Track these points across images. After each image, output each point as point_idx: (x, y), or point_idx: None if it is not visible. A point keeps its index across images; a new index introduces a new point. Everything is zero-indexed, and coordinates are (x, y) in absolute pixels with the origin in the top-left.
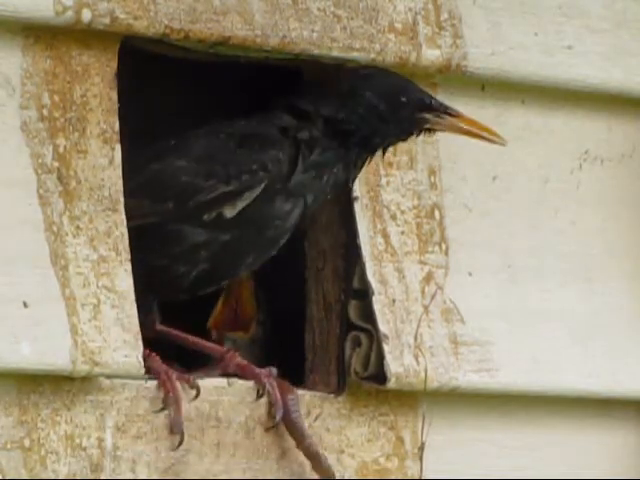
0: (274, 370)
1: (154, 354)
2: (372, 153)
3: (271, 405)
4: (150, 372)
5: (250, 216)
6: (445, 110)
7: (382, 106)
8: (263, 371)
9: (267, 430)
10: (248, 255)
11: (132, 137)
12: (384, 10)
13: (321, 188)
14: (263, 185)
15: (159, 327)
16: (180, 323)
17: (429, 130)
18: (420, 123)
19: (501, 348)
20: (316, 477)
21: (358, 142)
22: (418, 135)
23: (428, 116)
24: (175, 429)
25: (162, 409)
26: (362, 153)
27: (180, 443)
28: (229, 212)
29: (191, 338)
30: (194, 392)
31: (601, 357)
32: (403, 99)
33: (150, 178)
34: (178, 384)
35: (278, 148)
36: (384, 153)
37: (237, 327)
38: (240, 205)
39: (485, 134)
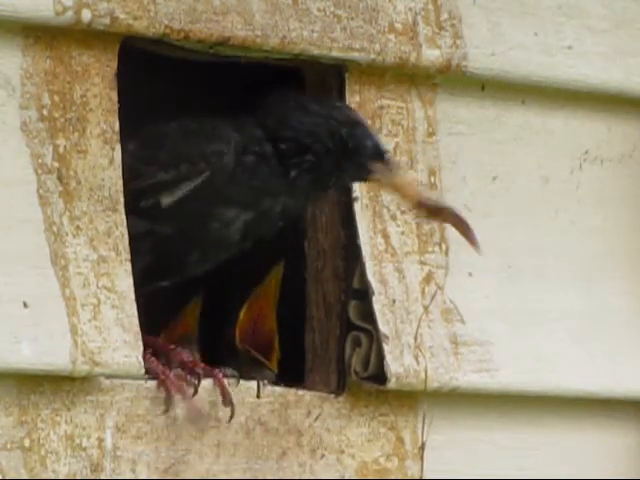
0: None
1: (149, 356)
2: (322, 190)
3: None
4: (149, 373)
5: (188, 209)
6: (391, 166)
7: (334, 148)
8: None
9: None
10: (190, 252)
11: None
12: (384, 10)
13: (264, 211)
14: (203, 177)
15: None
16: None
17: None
18: (370, 174)
19: (501, 348)
20: (315, 477)
21: (307, 177)
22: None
23: (377, 169)
24: (198, 422)
25: (165, 411)
26: (310, 189)
27: (205, 424)
28: (166, 200)
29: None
30: (191, 391)
31: (601, 357)
32: (356, 144)
33: None
34: (177, 381)
35: (225, 144)
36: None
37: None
38: (177, 194)
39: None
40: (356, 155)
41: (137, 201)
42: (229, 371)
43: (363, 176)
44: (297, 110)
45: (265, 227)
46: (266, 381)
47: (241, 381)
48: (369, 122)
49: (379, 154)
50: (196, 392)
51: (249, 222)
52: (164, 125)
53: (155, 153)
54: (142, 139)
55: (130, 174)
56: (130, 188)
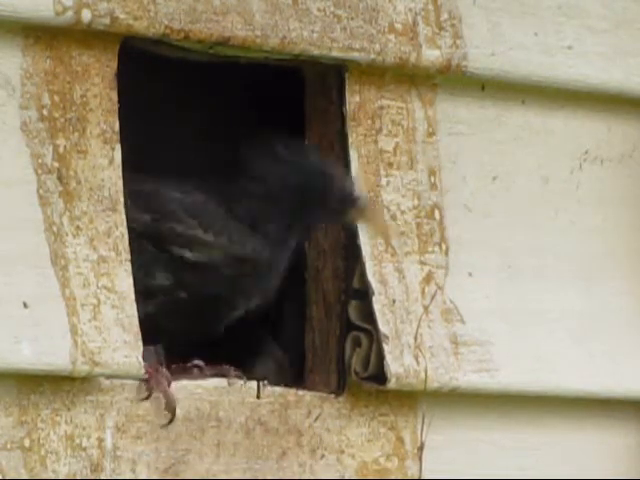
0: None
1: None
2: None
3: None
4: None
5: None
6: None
7: (307, 196)
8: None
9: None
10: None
11: (132, 137)
12: (384, 10)
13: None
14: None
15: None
16: None
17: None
18: (345, 217)
19: (501, 348)
20: (315, 477)
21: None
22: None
23: (352, 211)
24: (168, 406)
25: (148, 396)
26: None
27: (171, 420)
28: (192, 255)
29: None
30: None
31: (601, 357)
32: (330, 193)
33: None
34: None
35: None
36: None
37: None
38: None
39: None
40: (326, 204)
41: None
42: (234, 371)
43: (337, 220)
44: (266, 159)
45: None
46: (266, 381)
47: (241, 381)
48: (369, 122)
49: (349, 202)
50: (169, 384)
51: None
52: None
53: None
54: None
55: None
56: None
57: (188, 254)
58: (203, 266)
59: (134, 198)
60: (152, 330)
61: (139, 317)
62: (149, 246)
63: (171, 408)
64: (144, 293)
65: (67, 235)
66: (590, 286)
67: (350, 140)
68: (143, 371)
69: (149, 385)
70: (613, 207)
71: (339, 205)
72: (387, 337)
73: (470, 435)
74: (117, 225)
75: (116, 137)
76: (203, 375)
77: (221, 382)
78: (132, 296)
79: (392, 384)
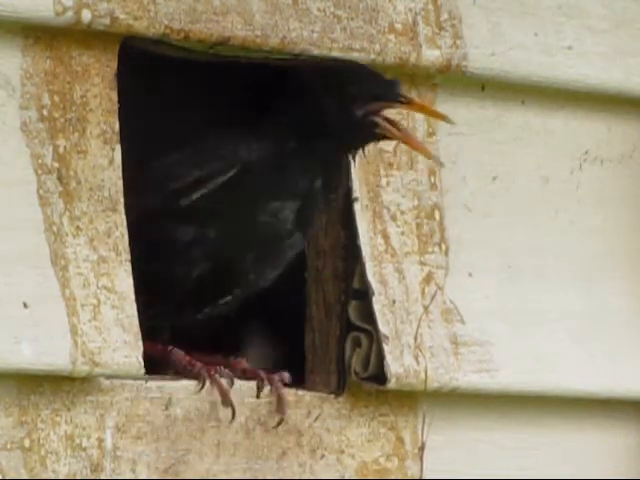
0: (285, 375)
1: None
2: (339, 154)
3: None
4: (174, 366)
5: (229, 206)
6: (396, 99)
7: (329, 103)
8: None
9: (275, 427)
10: (244, 255)
11: (132, 137)
12: (384, 10)
13: (306, 194)
14: (234, 171)
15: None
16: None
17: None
18: (370, 126)
19: (501, 348)
20: (315, 477)
21: (314, 139)
22: (376, 139)
23: (378, 120)
24: (226, 403)
25: (202, 387)
26: (326, 154)
27: (233, 416)
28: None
29: (202, 353)
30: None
31: (601, 357)
32: (352, 91)
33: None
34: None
35: (252, 139)
36: (353, 156)
37: None
38: (211, 188)
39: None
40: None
41: (176, 202)
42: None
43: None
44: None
45: (317, 206)
46: (266, 381)
47: (241, 381)
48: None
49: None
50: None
51: (298, 209)
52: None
53: (186, 156)
54: (178, 150)
55: (165, 181)
56: (166, 194)
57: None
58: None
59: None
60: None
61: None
62: None
63: (228, 403)
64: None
65: (67, 235)
66: (590, 286)
67: None
68: (143, 371)
69: (212, 382)
70: (613, 207)
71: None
72: (387, 337)
73: (470, 435)
74: (117, 225)
75: (116, 137)
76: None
77: (221, 382)
78: (132, 296)
79: (392, 384)
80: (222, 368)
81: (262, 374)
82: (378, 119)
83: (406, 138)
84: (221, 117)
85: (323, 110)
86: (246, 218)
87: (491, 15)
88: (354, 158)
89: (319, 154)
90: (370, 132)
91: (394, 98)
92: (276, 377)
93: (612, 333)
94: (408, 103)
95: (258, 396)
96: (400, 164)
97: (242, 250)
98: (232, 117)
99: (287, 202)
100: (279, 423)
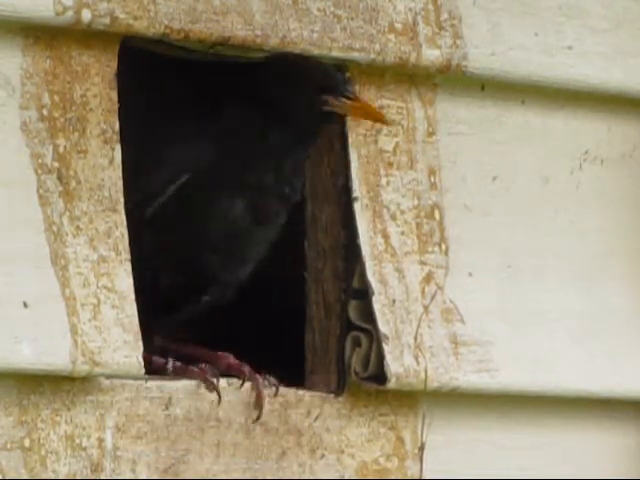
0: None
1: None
2: (294, 147)
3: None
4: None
5: (185, 208)
6: (344, 93)
7: (282, 91)
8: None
9: (253, 423)
10: (204, 250)
11: (132, 137)
12: (384, 10)
13: (258, 187)
14: (185, 178)
15: (158, 342)
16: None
17: (333, 114)
18: (320, 104)
19: (501, 348)
20: (315, 477)
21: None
22: (325, 121)
23: (329, 98)
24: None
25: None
26: (277, 148)
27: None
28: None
29: (190, 347)
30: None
31: (601, 357)
32: (306, 83)
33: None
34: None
35: (201, 141)
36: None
37: None
38: (166, 196)
39: (373, 116)
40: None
41: (140, 211)
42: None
43: (319, 108)
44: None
45: (271, 200)
46: (266, 382)
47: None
48: (369, 122)
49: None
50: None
51: (251, 202)
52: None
53: (141, 163)
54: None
55: (128, 190)
56: (129, 204)
57: None
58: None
59: None
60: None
61: None
62: None
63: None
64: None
65: (67, 235)
66: (590, 286)
67: (350, 140)
68: (143, 371)
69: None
70: (613, 207)
71: (315, 87)
72: (387, 337)
73: (470, 435)
74: (117, 225)
75: (116, 137)
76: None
77: (221, 382)
78: (132, 296)
79: (392, 384)
80: (206, 366)
81: (246, 370)
82: (326, 98)
83: (356, 109)
84: (171, 116)
85: (272, 102)
86: (201, 220)
87: (491, 15)
88: (306, 150)
89: (270, 149)
90: (319, 112)
91: (341, 92)
92: (259, 376)
93: (612, 333)
94: (354, 99)
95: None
96: (400, 164)
97: (204, 251)
98: (182, 116)
99: (236, 199)
100: (256, 419)
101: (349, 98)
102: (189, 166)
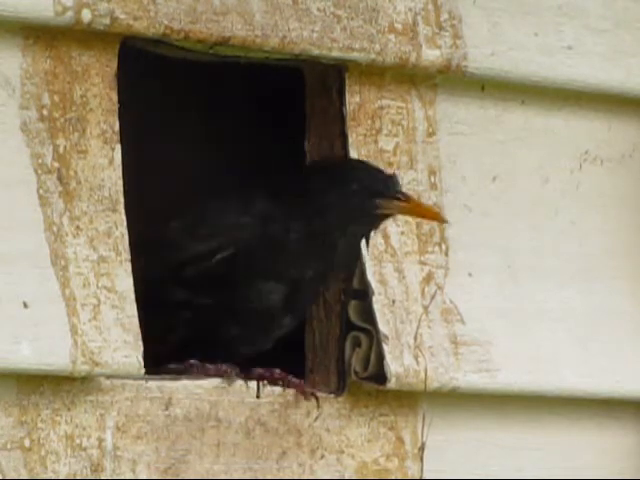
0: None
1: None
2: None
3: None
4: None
5: (226, 280)
6: (395, 195)
7: (333, 197)
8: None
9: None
10: (229, 324)
11: (132, 137)
12: (384, 10)
13: (297, 280)
14: (232, 249)
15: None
16: None
17: (386, 215)
18: (373, 208)
19: (501, 348)
20: (315, 477)
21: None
22: (380, 221)
23: (380, 201)
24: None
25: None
26: (323, 244)
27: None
28: (201, 269)
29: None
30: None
31: (601, 357)
32: (354, 187)
33: None
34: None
35: (254, 218)
36: (366, 240)
37: None
38: (210, 264)
39: (429, 215)
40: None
41: (180, 272)
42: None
43: (371, 212)
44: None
45: (305, 295)
46: (266, 381)
47: (241, 381)
48: (369, 122)
49: (377, 191)
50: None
51: (288, 294)
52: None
53: (195, 227)
54: (187, 215)
55: (173, 248)
56: (173, 261)
57: None
58: None
59: None
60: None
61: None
62: None
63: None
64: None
65: (67, 235)
66: (590, 286)
67: (350, 140)
68: (143, 371)
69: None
70: (613, 207)
71: (361, 189)
72: (387, 337)
73: (470, 435)
74: (117, 225)
75: (116, 137)
76: (202, 373)
77: (221, 382)
78: (132, 296)
79: (392, 384)
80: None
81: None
82: (380, 201)
83: (411, 210)
84: (223, 181)
85: (325, 202)
86: (237, 293)
87: (491, 15)
88: (358, 246)
89: (316, 244)
90: (369, 213)
91: (392, 195)
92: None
93: (612, 333)
94: (406, 200)
95: (258, 396)
96: (400, 164)
97: (228, 322)
98: (233, 183)
99: (278, 285)
100: (318, 407)
101: (401, 199)
102: (238, 239)
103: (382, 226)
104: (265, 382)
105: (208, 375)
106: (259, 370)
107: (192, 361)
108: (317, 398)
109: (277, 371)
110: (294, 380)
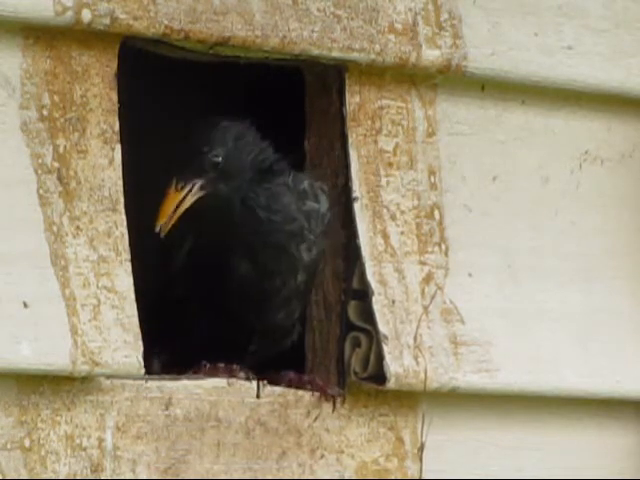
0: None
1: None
2: None
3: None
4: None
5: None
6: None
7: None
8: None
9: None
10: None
11: (132, 137)
12: (384, 10)
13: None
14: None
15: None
16: None
17: None
18: None
19: (501, 348)
20: (315, 477)
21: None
22: None
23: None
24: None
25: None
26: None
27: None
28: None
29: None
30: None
31: (601, 357)
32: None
33: None
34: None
35: None
36: None
37: None
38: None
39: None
40: None
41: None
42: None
43: None
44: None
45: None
46: (266, 381)
47: (241, 381)
48: (369, 122)
49: None
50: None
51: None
52: None
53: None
54: None
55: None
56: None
57: None
58: None
59: None
60: None
61: None
62: None
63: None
64: None
65: (67, 235)
66: (590, 286)
67: (350, 140)
68: (143, 371)
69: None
70: (613, 207)
71: None
72: (387, 337)
73: (470, 435)
74: (117, 225)
75: (116, 137)
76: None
77: (221, 382)
78: (132, 296)
79: (392, 384)
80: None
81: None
82: None
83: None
84: None
85: None
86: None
87: (491, 15)
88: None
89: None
90: None
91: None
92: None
93: (612, 333)
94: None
95: (258, 396)
96: (400, 164)
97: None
98: None
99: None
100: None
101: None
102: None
103: (381, 226)
104: (292, 386)
105: (219, 375)
106: (290, 374)
107: (203, 362)
108: (335, 401)
109: (305, 377)
110: (319, 382)
